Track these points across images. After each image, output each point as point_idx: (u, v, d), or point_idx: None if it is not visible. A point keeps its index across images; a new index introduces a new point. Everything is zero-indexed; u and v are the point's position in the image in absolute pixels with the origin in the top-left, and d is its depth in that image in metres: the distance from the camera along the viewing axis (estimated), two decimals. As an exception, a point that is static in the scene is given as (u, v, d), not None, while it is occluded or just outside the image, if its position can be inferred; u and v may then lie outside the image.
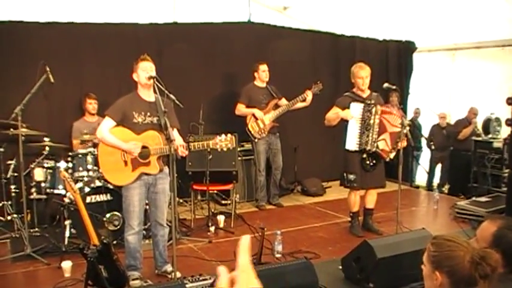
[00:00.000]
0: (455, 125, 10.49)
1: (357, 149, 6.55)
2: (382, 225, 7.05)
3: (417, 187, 10.74)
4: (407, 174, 9.99)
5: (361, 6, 10.19)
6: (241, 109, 8.19)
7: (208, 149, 5.24)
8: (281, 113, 8.16)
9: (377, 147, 6.50)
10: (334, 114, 6.65)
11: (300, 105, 8.08)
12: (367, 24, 10.81)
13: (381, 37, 11.15)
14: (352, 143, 6.56)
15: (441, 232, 2.92)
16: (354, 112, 6.52)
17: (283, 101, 8.23)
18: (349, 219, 7.03)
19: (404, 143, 6.51)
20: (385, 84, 6.56)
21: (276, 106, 8.21)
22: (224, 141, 5.04)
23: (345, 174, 6.73)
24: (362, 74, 6.60)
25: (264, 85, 8.25)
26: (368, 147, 6.49)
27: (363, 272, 4.78)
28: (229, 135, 5.08)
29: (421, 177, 11.39)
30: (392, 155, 6.51)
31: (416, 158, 11.18)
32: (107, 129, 4.98)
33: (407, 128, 6.42)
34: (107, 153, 5.02)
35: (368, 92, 6.68)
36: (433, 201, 8.49)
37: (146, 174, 5.05)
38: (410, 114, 11.19)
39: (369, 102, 6.52)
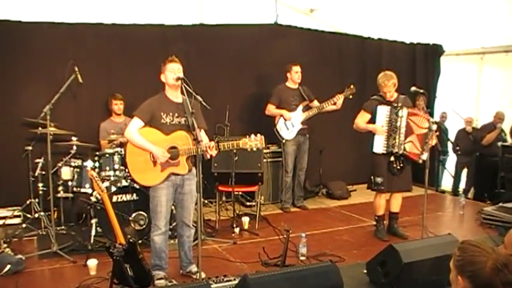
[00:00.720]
0: (481, 129, 10.36)
1: (384, 151, 6.53)
2: (407, 230, 6.99)
3: (443, 192, 10.64)
4: (433, 178, 9.90)
5: (389, 8, 10.13)
6: (271, 109, 8.20)
7: (234, 150, 5.20)
8: (310, 115, 8.14)
9: (404, 149, 6.47)
10: (364, 125, 6.68)
11: (330, 108, 8.05)
12: (394, 27, 10.74)
13: (408, 40, 11.08)
14: (379, 145, 6.55)
15: (467, 238, 2.91)
16: (381, 115, 6.52)
17: (315, 103, 8.20)
18: (374, 222, 7.00)
19: (435, 141, 6.48)
20: (413, 88, 6.52)
21: (307, 108, 8.19)
22: (254, 141, 5.03)
23: (372, 177, 6.71)
24: (386, 89, 6.58)
25: (296, 86, 8.23)
26: (395, 150, 6.47)
27: (388, 277, 4.74)
28: (258, 135, 5.06)
29: (447, 181, 11.27)
30: (424, 156, 6.43)
31: (443, 163, 11.07)
32: (135, 129, 4.99)
33: (434, 126, 6.35)
34: (136, 153, 5.04)
35: (395, 95, 6.64)
36: (459, 206, 8.40)
37: (175, 174, 5.07)
38: (436, 119, 11.08)
39: (395, 105, 6.50)
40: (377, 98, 6.72)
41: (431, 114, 10.16)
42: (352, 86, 7.98)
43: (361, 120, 6.74)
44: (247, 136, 5.07)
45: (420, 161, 6.52)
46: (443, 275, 2.64)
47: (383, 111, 6.53)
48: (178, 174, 5.08)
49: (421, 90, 6.63)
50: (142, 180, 5.15)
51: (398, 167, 6.56)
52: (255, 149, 5.10)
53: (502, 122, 9.89)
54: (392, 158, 6.54)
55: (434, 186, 10.05)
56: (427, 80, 11.11)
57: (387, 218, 7.00)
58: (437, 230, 6.90)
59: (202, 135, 5.11)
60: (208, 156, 5.00)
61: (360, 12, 10.48)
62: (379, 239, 6.74)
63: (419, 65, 11.17)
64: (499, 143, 9.66)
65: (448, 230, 6.03)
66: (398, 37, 10.90)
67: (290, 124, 8.12)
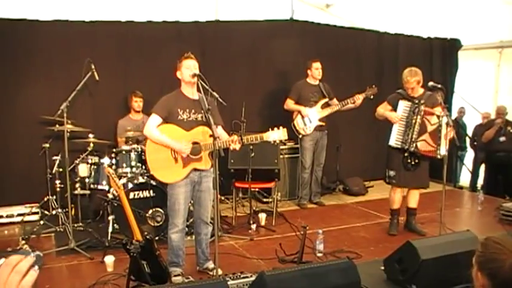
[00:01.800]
0: (484, 125, 10.19)
1: (399, 146, 6.54)
2: (425, 226, 6.94)
3: (461, 188, 10.55)
4: (451, 174, 9.84)
5: (406, 3, 10.07)
6: (289, 104, 8.20)
7: (254, 144, 5.19)
8: (329, 113, 8.10)
9: (416, 147, 6.45)
10: (382, 113, 6.73)
11: (349, 106, 8.01)
12: (411, 22, 10.67)
13: (425, 35, 11.00)
14: (394, 139, 6.58)
15: (486, 234, 2.86)
16: (400, 110, 6.54)
17: (334, 101, 8.17)
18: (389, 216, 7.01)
19: (452, 133, 6.42)
20: (430, 83, 6.47)
21: (326, 105, 8.16)
22: (277, 133, 5.03)
23: (386, 170, 6.75)
24: (408, 85, 6.58)
25: (317, 83, 8.20)
26: (406, 146, 6.48)
27: (406, 274, 4.69)
28: (281, 127, 5.06)
29: (465, 177, 11.18)
30: (442, 151, 6.39)
31: (461, 158, 10.99)
32: (154, 126, 5.00)
33: (445, 119, 6.33)
34: (156, 151, 5.04)
35: (421, 91, 6.63)
36: (477, 202, 8.34)
37: (197, 170, 5.08)
38: (454, 114, 11.01)
39: (416, 101, 6.49)
40: (401, 92, 6.73)
41: (449, 110, 10.10)
42: (374, 86, 7.92)
43: (382, 108, 6.80)
44: (270, 129, 5.06)
45: (439, 157, 6.47)
46: (461, 272, 2.61)
47: (402, 106, 6.55)
48: (199, 170, 5.08)
49: (439, 86, 6.57)
50: (164, 177, 5.15)
51: (413, 163, 6.53)
52: (277, 141, 5.13)
53: (504, 117, 9.66)
54: (406, 154, 6.53)
55: (452, 182, 9.98)
56: (444, 75, 11.04)
57: (405, 214, 6.97)
58: (455, 227, 6.85)
59: (221, 131, 5.12)
60: (232, 149, 5.00)
61: (376, 7, 10.43)
62: (390, 234, 6.78)
63: (437, 60, 11.10)
64: (501, 138, 9.50)
65: (467, 227, 5.97)
66: (415, 32, 10.83)
67: (308, 120, 8.10)
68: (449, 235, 5.83)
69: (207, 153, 5.05)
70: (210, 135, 4.75)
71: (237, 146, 4.96)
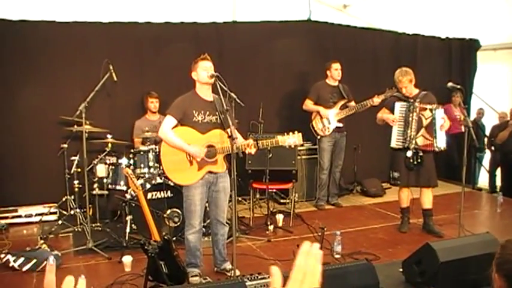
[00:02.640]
0: (498, 126, 10.09)
1: (400, 146, 6.61)
2: (444, 228, 6.87)
3: (480, 189, 10.45)
4: (470, 176, 9.75)
5: (424, 3, 10.01)
6: (308, 105, 8.18)
7: (270, 147, 5.19)
8: (347, 114, 8.06)
9: (416, 143, 6.50)
10: (380, 117, 6.85)
11: (367, 107, 7.96)
12: (429, 22, 10.61)
13: (443, 35, 10.92)
14: (395, 140, 6.66)
15: (506, 237, 2.80)
16: (397, 111, 6.64)
17: (353, 104, 8.13)
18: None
19: (447, 124, 6.50)
20: (449, 84, 6.44)
21: (344, 106, 8.13)
22: (292, 138, 5.02)
23: (390, 172, 6.82)
24: (401, 85, 6.67)
25: (336, 84, 8.17)
26: (406, 144, 6.53)
27: (425, 276, 4.67)
28: (296, 132, 5.06)
29: (484, 179, 11.08)
30: (440, 144, 6.46)
31: (479, 160, 10.89)
32: (169, 128, 5.00)
33: (438, 111, 6.43)
34: (171, 153, 5.04)
35: (416, 91, 6.69)
36: (496, 204, 8.25)
37: (212, 172, 5.08)
38: (473, 115, 10.93)
39: (411, 101, 6.56)
40: (397, 94, 6.84)
41: (468, 111, 10.03)
42: (393, 88, 7.86)
43: (381, 113, 6.88)
44: (285, 133, 5.06)
45: (437, 149, 6.50)
46: (481, 274, 2.58)
47: (398, 107, 6.65)
48: (214, 173, 5.08)
49: (458, 86, 6.54)
50: (178, 179, 5.16)
51: (415, 162, 6.54)
52: (293, 146, 5.13)
53: None
54: (409, 154, 6.54)
55: (470, 184, 9.89)
56: (463, 75, 10.96)
57: (421, 215, 6.93)
58: (474, 229, 6.77)
59: (236, 133, 5.11)
60: (247, 153, 4.99)
61: (394, 7, 10.39)
62: (401, 231, 6.81)
63: (455, 61, 11.02)
64: None
65: (486, 229, 5.93)
66: (433, 32, 10.76)
67: (326, 121, 8.08)
68: (468, 237, 5.79)
69: (222, 156, 5.05)
70: (228, 136, 4.73)
71: (253, 150, 4.97)
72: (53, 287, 1.33)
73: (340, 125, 8.13)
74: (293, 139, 5.04)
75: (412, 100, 6.55)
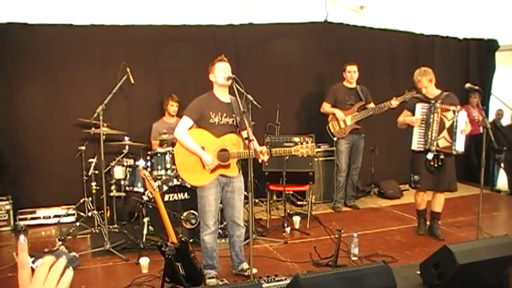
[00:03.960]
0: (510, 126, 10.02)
1: (421, 149, 6.48)
2: (462, 230, 6.84)
3: (499, 191, 10.36)
4: (488, 177, 9.67)
5: (441, 3, 9.95)
6: (325, 107, 8.16)
7: (279, 154, 5.18)
8: (365, 116, 8.01)
9: (437, 145, 6.39)
10: (402, 120, 6.72)
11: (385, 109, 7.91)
12: (447, 22, 10.53)
13: (461, 35, 10.85)
14: (416, 143, 6.53)
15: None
16: (418, 112, 6.50)
17: (371, 105, 8.09)
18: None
19: (469, 128, 6.43)
20: (467, 85, 6.36)
21: (362, 108, 8.09)
22: (305, 148, 5.01)
23: (411, 175, 6.68)
24: (420, 85, 6.56)
25: (353, 86, 8.15)
26: (427, 146, 6.41)
27: (442, 278, 4.63)
28: (310, 142, 5.06)
29: (503, 180, 10.97)
30: (458, 148, 6.38)
31: (498, 161, 10.79)
32: (185, 129, 5.00)
33: (461, 114, 6.35)
34: (184, 153, 5.04)
35: (437, 92, 6.57)
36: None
37: (224, 176, 5.09)
38: (492, 116, 10.84)
39: (432, 102, 6.44)
40: (418, 96, 6.71)
41: (486, 112, 9.95)
42: (413, 90, 7.79)
43: (402, 117, 6.76)
44: (300, 139, 5.07)
45: (454, 153, 6.41)
46: (499, 277, 2.56)
47: (419, 108, 6.51)
48: (227, 176, 5.09)
49: (476, 87, 6.46)
50: (190, 180, 5.18)
51: (436, 165, 6.43)
52: (305, 155, 5.09)
53: None
54: (430, 156, 6.43)
55: (489, 186, 9.81)
56: (481, 76, 10.88)
57: (429, 217, 6.88)
58: (492, 231, 6.70)
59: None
60: (260, 161, 5.00)
61: (411, 8, 10.31)
62: (418, 234, 6.73)
63: (473, 61, 10.95)
64: None
65: (504, 231, 5.85)
66: (451, 33, 10.69)
67: (342, 123, 8.05)
68: (487, 240, 5.73)
69: (235, 160, 5.05)
70: (245, 138, 4.73)
71: (265, 158, 4.96)
72: (26, 264, 1.35)
73: (358, 126, 8.09)
74: (306, 149, 5.03)
75: (433, 101, 6.45)
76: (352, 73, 8.09)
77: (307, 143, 5.06)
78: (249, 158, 4.57)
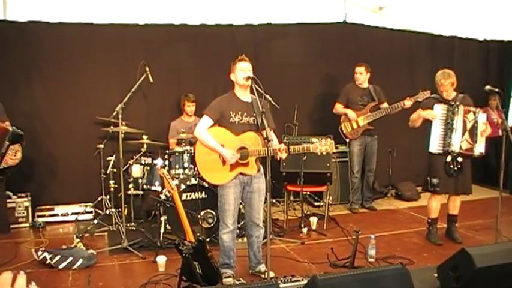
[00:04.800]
0: None
1: (441, 151, 6.34)
2: (480, 234, 6.78)
3: (518, 194, 10.26)
4: (508, 180, 9.57)
5: (460, 4, 9.87)
6: (337, 108, 8.17)
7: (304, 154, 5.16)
8: (377, 116, 7.98)
9: (460, 148, 6.28)
10: (416, 115, 6.57)
11: (399, 109, 7.86)
12: (466, 23, 10.46)
13: (481, 37, 10.77)
14: (435, 145, 6.37)
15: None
16: (437, 113, 6.36)
17: (385, 105, 8.06)
18: (427, 225, 6.76)
19: (488, 130, 6.35)
20: (487, 87, 6.28)
21: (375, 108, 8.06)
22: (324, 146, 5.00)
23: (428, 178, 6.54)
24: (442, 88, 6.43)
25: (366, 86, 8.13)
26: (451, 149, 6.28)
27: (460, 282, 4.58)
28: (329, 139, 5.03)
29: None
30: (479, 149, 6.31)
31: (517, 164, 10.69)
32: (204, 128, 5.02)
33: (481, 116, 6.28)
34: (205, 152, 5.06)
35: (453, 94, 6.47)
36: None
37: (243, 174, 5.09)
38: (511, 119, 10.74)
39: (452, 103, 6.33)
40: (435, 96, 6.59)
41: (506, 114, 9.85)
42: (428, 90, 7.73)
43: (415, 114, 6.63)
44: (318, 140, 5.05)
45: (475, 154, 6.34)
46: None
47: (439, 110, 6.37)
48: (246, 175, 5.09)
49: (496, 89, 6.40)
50: (211, 178, 5.17)
51: (456, 168, 6.32)
52: (324, 153, 5.08)
53: None
54: (449, 159, 6.32)
55: (508, 189, 9.71)
56: (501, 78, 10.75)
57: (446, 221, 6.78)
58: (511, 235, 6.66)
59: (272, 136, 5.10)
60: (278, 158, 4.98)
61: (430, 9, 10.24)
62: (433, 243, 6.54)
63: (493, 63, 10.85)
64: None
65: (524, 235, 5.82)
66: (470, 34, 10.60)
67: (354, 124, 8.03)
68: (506, 243, 5.69)
69: (254, 158, 5.05)
70: (264, 139, 4.74)
71: (284, 155, 4.95)
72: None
73: (370, 127, 8.07)
74: (325, 146, 5.01)
75: (454, 102, 6.33)
76: (358, 74, 8.09)
77: (325, 139, 5.04)
78: (267, 158, 4.57)
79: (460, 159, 6.30)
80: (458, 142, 6.27)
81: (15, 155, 4.73)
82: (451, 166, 6.31)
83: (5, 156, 4.65)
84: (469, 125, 6.31)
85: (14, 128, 4.66)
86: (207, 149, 5.04)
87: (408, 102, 7.60)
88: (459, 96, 6.45)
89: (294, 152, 5.04)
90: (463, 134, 6.30)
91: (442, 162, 6.36)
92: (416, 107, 6.87)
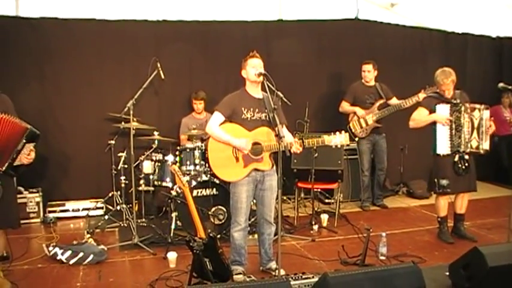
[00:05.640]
0: None
1: (449, 152, 6.27)
2: (492, 232, 6.73)
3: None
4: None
5: (473, 1, 9.82)
6: (344, 106, 8.14)
7: (315, 147, 5.12)
8: (386, 114, 7.95)
9: (471, 147, 6.23)
10: (426, 117, 6.40)
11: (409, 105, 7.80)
12: (479, 20, 10.39)
13: (494, 34, 10.70)
14: (443, 146, 6.29)
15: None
16: (442, 114, 6.26)
17: (393, 101, 8.01)
18: (438, 224, 6.67)
19: (493, 128, 6.27)
20: (500, 84, 6.21)
21: (383, 106, 8.02)
22: (338, 138, 4.99)
23: (435, 180, 6.42)
24: (444, 88, 6.33)
25: (372, 84, 8.09)
26: (462, 149, 6.21)
27: (472, 281, 4.56)
28: (343, 132, 5.03)
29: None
30: (485, 146, 6.24)
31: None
32: (216, 124, 5.01)
33: (485, 112, 6.21)
34: (218, 149, 5.04)
35: (452, 91, 6.38)
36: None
37: (258, 170, 5.06)
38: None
39: (455, 102, 6.24)
40: (434, 95, 6.51)
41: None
42: (433, 86, 7.68)
43: (420, 115, 6.47)
44: (332, 133, 5.02)
45: (481, 152, 6.27)
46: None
47: (444, 110, 6.27)
48: (260, 170, 5.07)
49: (509, 87, 6.33)
50: (224, 175, 5.15)
51: (464, 167, 6.26)
52: (339, 146, 5.09)
53: None
54: (456, 158, 6.25)
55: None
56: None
57: (452, 219, 6.70)
58: (525, 234, 6.61)
59: (285, 131, 5.09)
60: (292, 152, 4.97)
61: (443, 5, 10.19)
62: (444, 241, 6.47)
63: (507, 60, 10.73)
64: None
65: (537, 234, 5.76)
66: (484, 31, 10.53)
67: (363, 122, 8.00)
68: (518, 242, 5.65)
69: (268, 154, 5.03)
70: (276, 135, 4.72)
71: (299, 150, 4.96)
72: None
73: (378, 125, 8.04)
74: (339, 139, 5.01)
75: (455, 101, 6.24)
76: (366, 72, 8.05)
77: (340, 132, 5.02)
78: (279, 154, 4.56)
79: (466, 157, 6.25)
80: (468, 141, 6.22)
81: (29, 154, 4.76)
82: (459, 165, 6.25)
83: (20, 154, 4.68)
84: (476, 123, 6.23)
85: (32, 127, 4.68)
86: (220, 146, 5.03)
87: (422, 95, 7.54)
88: (457, 93, 6.37)
89: (308, 146, 5.05)
90: (472, 133, 6.24)
91: (450, 162, 6.29)
92: (416, 106, 6.76)
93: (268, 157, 5.03)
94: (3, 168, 4.60)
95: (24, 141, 4.66)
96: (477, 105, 6.25)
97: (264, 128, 5.01)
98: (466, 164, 6.26)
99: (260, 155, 4.99)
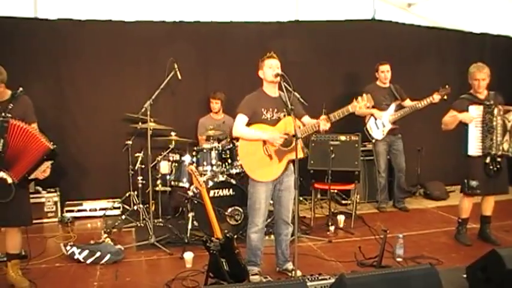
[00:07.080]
0: None
1: (480, 154, 6.17)
2: (510, 234, 6.67)
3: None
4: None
5: (491, 0, 9.74)
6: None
7: (344, 115, 5.02)
8: (403, 115, 7.89)
9: (502, 149, 6.14)
10: (451, 117, 6.29)
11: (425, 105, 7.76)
12: (498, 20, 10.30)
13: (513, 34, 10.62)
14: (474, 147, 6.20)
15: None
16: (474, 115, 6.17)
17: (408, 102, 7.97)
18: (457, 225, 6.61)
19: None
20: None
21: (399, 107, 7.99)
22: (362, 102, 4.96)
23: (466, 181, 6.34)
24: (479, 76, 6.21)
25: (387, 85, 8.06)
26: (493, 151, 6.11)
27: (490, 283, 4.51)
28: (364, 95, 5.01)
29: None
30: None
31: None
32: (242, 125, 5.00)
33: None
34: (249, 153, 5.04)
35: (485, 92, 6.27)
36: None
37: (293, 161, 4.89)
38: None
39: (488, 103, 6.15)
40: (467, 96, 6.37)
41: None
42: (447, 86, 7.63)
43: (449, 117, 6.35)
44: (354, 99, 5.02)
45: (511, 155, 6.19)
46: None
47: (475, 111, 6.18)
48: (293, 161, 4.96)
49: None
50: (263, 177, 5.06)
51: (495, 169, 6.16)
52: (364, 108, 5.08)
53: None
54: (488, 160, 6.15)
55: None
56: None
57: (479, 221, 6.62)
58: (546, 236, 6.55)
59: (308, 119, 5.18)
60: (321, 130, 5.01)
61: (460, 5, 10.13)
62: (462, 243, 6.42)
63: (525, 61, 10.66)
64: None
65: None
66: (502, 31, 10.44)
67: (381, 123, 7.97)
68: (538, 245, 5.60)
69: (300, 142, 4.97)
70: (293, 136, 4.69)
71: (327, 126, 4.96)
72: None
73: (395, 126, 8.01)
74: (362, 102, 4.97)
75: (488, 102, 6.14)
76: (385, 73, 8.02)
77: (362, 97, 5.00)
78: (295, 157, 4.55)
79: (499, 159, 6.16)
80: (499, 143, 6.13)
81: (44, 171, 4.85)
82: (491, 167, 6.15)
83: (37, 170, 4.77)
84: (508, 125, 6.14)
85: (55, 147, 4.78)
86: (250, 149, 5.03)
87: (437, 97, 7.51)
88: (491, 94, 6.26)
89: (335, 119, 5.01)
90: (504, 135, 6.14)
91: (481, 163, 6.19)
92: (448, 108, 6.69)
93: (299, 145, 4.91)
94: (18, 179, 4.68)
95: (44, 157, 4.74)
96: (511, 108, 6.17)
97: (286, 118, 5.01)
98: (498, 166, 6.17)
99: (291, 145, 4.97)
